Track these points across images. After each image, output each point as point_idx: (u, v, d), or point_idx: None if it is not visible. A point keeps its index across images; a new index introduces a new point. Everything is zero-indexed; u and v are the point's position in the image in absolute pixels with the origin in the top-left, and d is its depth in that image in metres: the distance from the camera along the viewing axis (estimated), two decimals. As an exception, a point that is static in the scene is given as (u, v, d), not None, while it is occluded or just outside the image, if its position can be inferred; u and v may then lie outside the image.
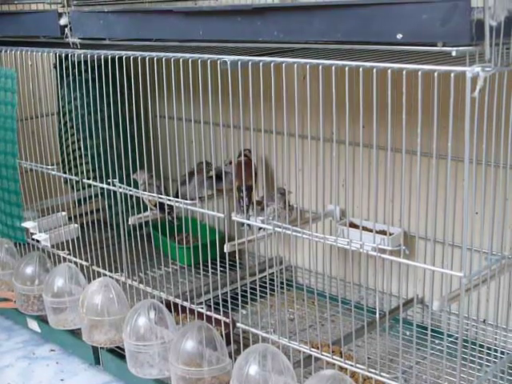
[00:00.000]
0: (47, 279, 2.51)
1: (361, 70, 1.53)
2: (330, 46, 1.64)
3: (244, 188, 2.48)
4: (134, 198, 2.35)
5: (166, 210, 2.53)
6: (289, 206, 2.39)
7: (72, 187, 2.86)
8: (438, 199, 1.56)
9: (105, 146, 2.67)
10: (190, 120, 2.04)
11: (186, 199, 2.12)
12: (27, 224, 2.68)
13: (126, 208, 2.35)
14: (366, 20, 1.47)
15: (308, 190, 1.78)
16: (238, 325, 2.13)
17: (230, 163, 2.53)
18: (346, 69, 1.56)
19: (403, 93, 1.48)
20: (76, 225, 2.67)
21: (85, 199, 2.94)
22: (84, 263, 2.55)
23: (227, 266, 2.07)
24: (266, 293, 2.24)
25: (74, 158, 2.96)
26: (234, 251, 2.21)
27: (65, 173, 2.62)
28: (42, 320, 2.67)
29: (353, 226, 2.27)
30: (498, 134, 1.54)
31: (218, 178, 2.59)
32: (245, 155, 2.52)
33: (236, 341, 2.18)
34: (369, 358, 1.91)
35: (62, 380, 2.51)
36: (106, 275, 2.44)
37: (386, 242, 1.96)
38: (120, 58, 2.07)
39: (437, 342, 2.11)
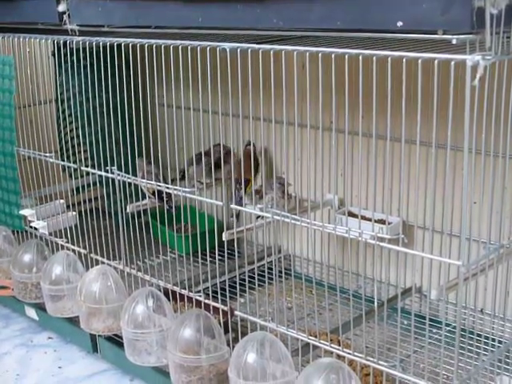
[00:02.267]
0: (45, 267, 2.51)
1: (360, 57, 1.53)
2: (330, 33, 1.63)
3: (241, 181, 2.48)
4: (133, 186, 2.34)
5: (165, 199, 2.52)
6: (287, 194, 2.38)
7: (70, 175, 2.86)
8: (437, 188, 1.56)
9: (103, 134, 2.66)
10: (189, 108, 2.03)
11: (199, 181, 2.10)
12: (25, 212, 2.67)
13: (125, 196, 2.35)
14: (365, 7, 1.46)
15: (306, 178, 1.78)
16: (236, 313, 2.13)
17: (228, 153, 2.52)
18: (346, 57, 1.56)
19: (403, 81, 1.47)
20: (74, 212, 2.67)
21: (83, 187, 2.94)
22: (82, 251, 2.55)
23: (225, 254, 2.07)
24: (264, 281, 2.23)
25: (73, 146, 2.96)
26: (233, 240, 2.21)
27: (63, 160, 2.62)
28: (40, 308, 2.67)
29: (351, 215, 2.27)
30: (497, 124, 1.53)
31: (217, 166, 2.58)
32: (246, 147, 2.51)
33: (234, 329, 2.18)
34: (367, 346, 1.91)
35: (59, 367, 2.51)
36: (104, 263, 2.44)
37: (384, 231, 1.96)
38: (119, 45, 2.06)
39: (434, 331, 2.11)
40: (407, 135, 1.56)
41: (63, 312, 2.51)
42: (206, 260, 2.08)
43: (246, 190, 2.50)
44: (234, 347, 1.95)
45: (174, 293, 2.29)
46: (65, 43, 2.27)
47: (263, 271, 2.09)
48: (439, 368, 1.78)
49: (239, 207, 2.20)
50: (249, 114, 1.82)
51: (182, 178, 2.69)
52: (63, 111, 2.95)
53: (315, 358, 1.85)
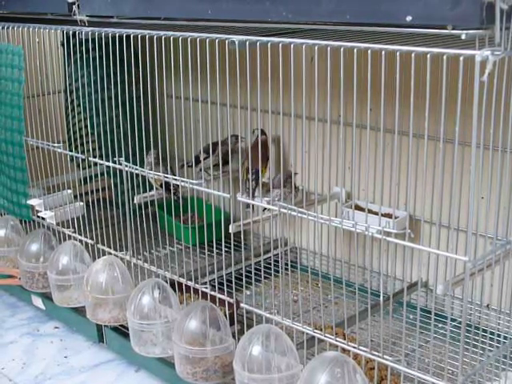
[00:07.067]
0: (52, 257, 2.51)
1: (369, 52, 1.52)
2: (339, 27, 1.63)
3: (253, 171, 2.47)
4: (140, 177, 2.35)
5: (172, 191, 2.53)
6: (295, 187, 2.38)
7: (78, 165, 2.87)
8: (444, 183, 1.56)
9: (111, 125, 2.67)
10: (197, 100, 2.03)
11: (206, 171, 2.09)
12: (33, 201, 2.68)
13: (132, 187, 2.35)
14: (375, 1, 1.46)
15: (314, 171, 1.78)
16: (242, 305, 2.13)
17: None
18: (355, 50, 1.55)
19: (411, 76, 1.47)
20: (81, 203, 2.68)
21: (90, 177, 2.94)
22: (89, 241, 2.56)
23: (232, 246, 2.07)
24: (270, 274, 2.24)
25: (81, 136, 2.96)
26: (239, 232, 2.22)
27: (71, 151, 2.62)
28: (47, 297, 2.68)
29: (358, 208, 2.26)
30: (506, 119, 1.53)
31: (225, 159, 2.58)
32: (263, 133, 2.49)
33: (239, 321, 2.19)
34: (372, 340, 1.91)
35: (65, 357, 2.52)
36: (110, 253, 2.45)
37: (391, 225, 1.95)
38: (128, 37, 2.06)
39: (440, 325, 2.11)
40: (415, 129, 1.56)
41: (69, 302, 2.52)
42: (213, 252, 2.08)
43: (257, 180, 2.49)
44: (239, 339, 1.96)
45: (180, 284, 2.29)
46: (74, 34, 2.26)
47: (269, 264, 2.10)
48: (444, 363, 1.78)
49: (246, 200, 2.20)
50: (257, 107, 1.82)
51: (194, 165, 2.68)
52: (72, 101, 2.95)
53: (320, 352, 1.85)
